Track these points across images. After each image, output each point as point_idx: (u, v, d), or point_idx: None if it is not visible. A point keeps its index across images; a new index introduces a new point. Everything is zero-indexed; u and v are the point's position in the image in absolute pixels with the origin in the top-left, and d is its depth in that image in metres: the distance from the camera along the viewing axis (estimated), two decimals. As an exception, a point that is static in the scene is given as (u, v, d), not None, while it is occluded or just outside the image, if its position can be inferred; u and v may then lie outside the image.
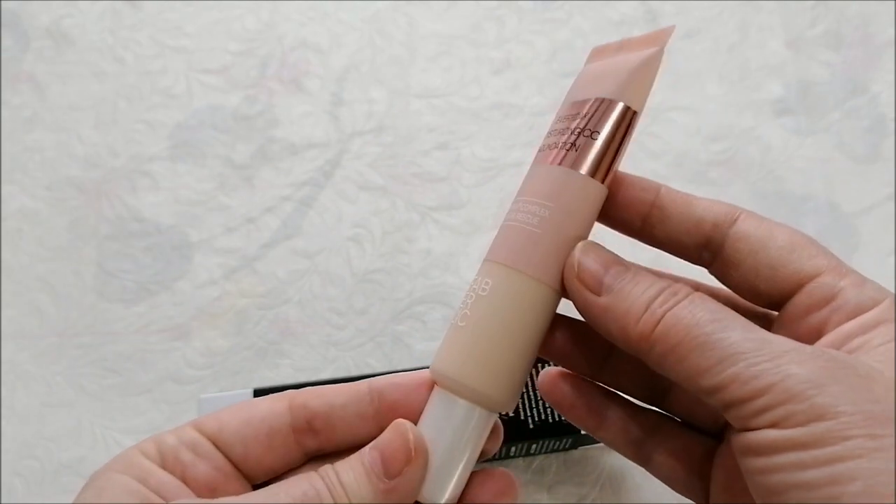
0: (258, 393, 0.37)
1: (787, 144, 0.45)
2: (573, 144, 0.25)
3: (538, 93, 0.47)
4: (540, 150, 0.26)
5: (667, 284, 0.23)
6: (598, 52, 0.28)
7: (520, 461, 0.38)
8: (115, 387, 0.40)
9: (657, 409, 0.28)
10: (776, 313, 0.25)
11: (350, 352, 0.41)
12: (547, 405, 0.36)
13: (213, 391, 0.40)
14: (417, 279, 0.42)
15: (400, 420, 0.24)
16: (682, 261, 0.27)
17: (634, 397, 0.28)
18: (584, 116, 0.25)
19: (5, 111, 0.48)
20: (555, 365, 0.28)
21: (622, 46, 0.27)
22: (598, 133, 0.25)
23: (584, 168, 0.25)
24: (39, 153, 0.46)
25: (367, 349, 0.41)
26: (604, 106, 0.25)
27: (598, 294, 0.23)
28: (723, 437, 0.27)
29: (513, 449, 0.36)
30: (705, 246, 0.26)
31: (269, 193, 0.45)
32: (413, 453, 0.23)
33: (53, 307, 0.42)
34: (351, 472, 0.23)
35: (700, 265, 0.27)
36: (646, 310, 0.23)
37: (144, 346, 0.41)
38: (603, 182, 0.25)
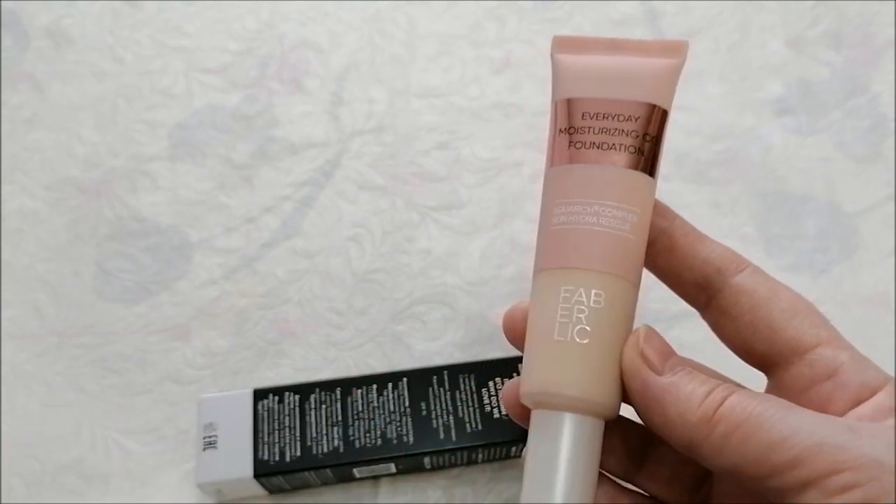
0: (258, 393, 0.37)
1: (787, 144, 0.45)
2: (639, 149, 0.25)
3: (539, 92, 0.47)
4: (576, 147, 0.26)
5: (722, 380, 0.23)
6: (573, 44, 0.27)
7: (520, 461, 0.38)
8: (115, 387, 0.40)
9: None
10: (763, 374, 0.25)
11: (350, 352, 0.41)
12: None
13: (213, 391, 0.40)
14: (417, 279, 0.42)
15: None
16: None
17: None
18: (639, 120, 0.25)
19: (5, 111, 0.48)
20: None
21: (615, 46, 0.27)
22: (657, 139, 0.26)
23: (650, 171, 0.25)
24: (39, 153, 0.46)
25: (367, 349, 0.41)
26: (657, 113, 0.26)
27: (660, 375, 0.23)
28: None
29: (513, 449, 0.36)
30: (703, 287, 0.26)
31: (269, 193, 0.45)
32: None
33: (53, 307, 0.42)
34: None
35: (693, 306, 0.26)
36: (708, 394, 0.22)
37: (144, 346, 0.41)
38: (656, 180, 0.26)
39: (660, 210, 0.26)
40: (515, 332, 0.26)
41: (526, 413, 0.25)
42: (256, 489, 0.36)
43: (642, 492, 0.27)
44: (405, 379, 0.37)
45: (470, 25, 0.49)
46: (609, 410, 0.24)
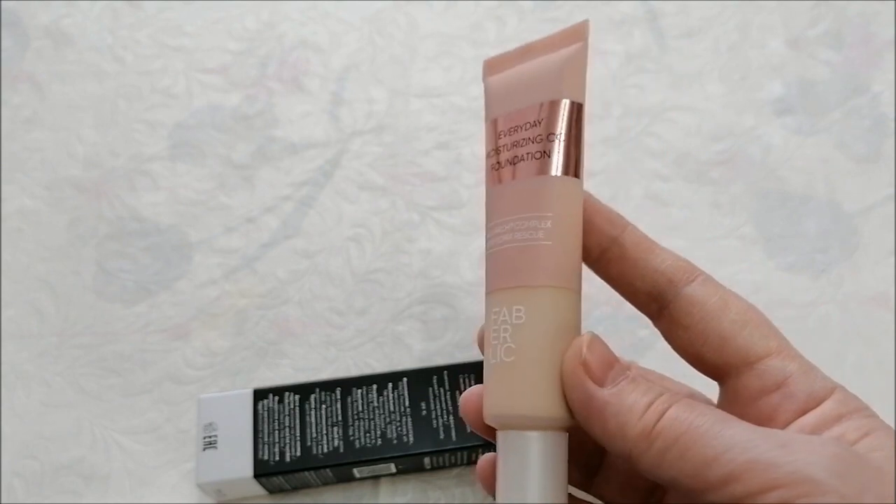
0: (258, 393, 0.37)
1: (787, 144, 0.45)
2: (545, 152, 0.25)
3: (538, 92, 0.47)
4: (495, 169, 0.25)
5: (664, 389, 0.23)
6: (498, 63, 0.27)
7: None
8: (115, 387, 0.40)
9: None
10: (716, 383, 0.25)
11: (350, 352, 0.41)
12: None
13: (213, 391, 0.40)
14: (417, 279, 0.42)
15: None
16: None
17: None
18: (544, 122, 0.25)
19: (5, 111, 0.48)
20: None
21: (528, 51, 0.26)
22: (562, 134, 0.25)
23: (564, 170, 0.24)
24: (39, 153, 0.46)
25: (367, 349, 0.41)
26: (563, 107, 0.25)
27: (602, 386, 0.23)
28: None
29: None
30: (655, 297, 0.26)
31: (269, 193, 0.45)
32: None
33: (53, 307, 0.42)
34: None
35: (647, 315, 0.27)
36: (648, 407, 0.22)
37: (144, 346, 0.41)
38: (578, 177, 0.25)
39: (611, 218, 0.26)
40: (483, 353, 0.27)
41: (481, 424, 0.25)
42: (256, 489, 0.36)
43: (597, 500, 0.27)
44: (405, 379, 0.37)
45: (470, 25, 0.49)
46: (559, 422, 0.23)
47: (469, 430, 0.35)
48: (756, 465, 0.20)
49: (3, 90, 0.48)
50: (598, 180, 0.44)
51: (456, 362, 0.38)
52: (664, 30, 0.49)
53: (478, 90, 0.47)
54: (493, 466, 0.25)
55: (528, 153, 0.25)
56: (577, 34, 0.25)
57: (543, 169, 0.24)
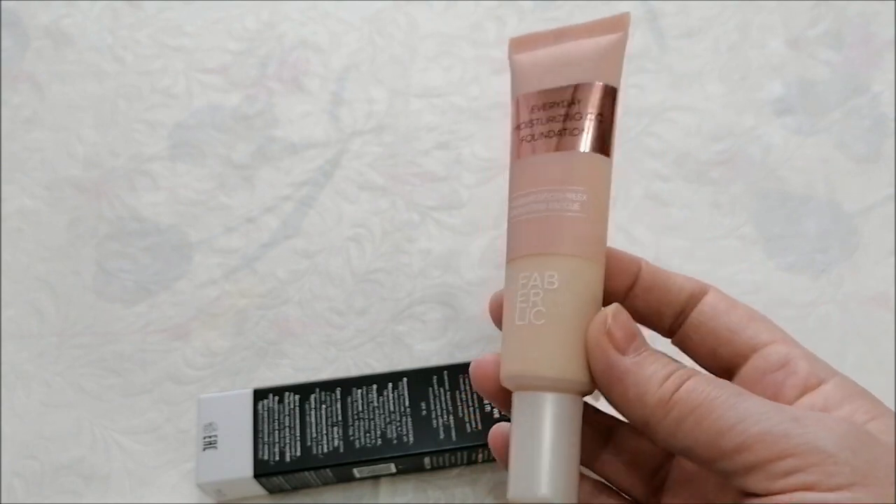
0: (258, 393, 0.37)
1: (787, 144, 0.45)
2: (583, 129, 0.26)
3: (538, 92, 0.47)
4: (527, 141, 0.27)
5: (681, 365, 0.24)
6: (528, 42, 0.28)
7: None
8: (115, 387, 0.40)
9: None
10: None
11: (350, 352, 0.41)
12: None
13: (213, 391, 0.40)
14: (417, 279, 0.42)
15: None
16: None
17: (626, 492, 0.28)
18: (582, 101, 0.26)
19: (5, 111, 0.48)
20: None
21: (561, 34, 0.28)
22: (600, 115, 0.26)
23: (599, 149, 0.26)
24: (39, 153, 0.46)
25: (367, 349, 0.41)
26: (601, 90, 0.26)
27: (624, 355, 0.24)
28: None
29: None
30: (678, 315, 0.27)
31: (269, 193, 0.45)
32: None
33: (53, 307, 0.42)
34: None
35: (664, 334, 0.28)
36: (667, 378, 0.23)
37: (144, 346, 0.41)
38: (609, 157, 0.26)
39: (627, 258, 0.27)
40: (496, 319, 0.27)
41: (493, 389, 0.26)
42: (256, 489, 0.36)
43: (601, 479, 0.28)
44: (405, 379, 0.37)
45: (470, 25, 0.49)
46: (579, 385, 0.25)
47: (473, 429, 0.35)
48: (769, 435, 0.21)
49: (3, 90, 0.48)
50: (598, 180, 0.44)
51: (456, 362, 0.38)
52: (664, 30, 0.49)
53: (478, 90, 0.47)
54: (506, 436, 0.26)
55: (565, 129, 0.26)
56: (618, 24, 0.27)
57: (580, 145, 0.26)
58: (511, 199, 0.27)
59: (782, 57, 0.48)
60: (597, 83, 0.26)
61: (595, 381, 0.24)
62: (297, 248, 0.43)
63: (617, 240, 0.40)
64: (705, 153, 0.45)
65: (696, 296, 0.27)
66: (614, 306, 0.25)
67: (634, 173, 0.44)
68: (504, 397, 0.26)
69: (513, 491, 0.24)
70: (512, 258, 0.26)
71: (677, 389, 0.22)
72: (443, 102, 0.47)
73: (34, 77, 0.49)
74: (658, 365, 0.23)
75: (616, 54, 0.27)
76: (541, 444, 0.24)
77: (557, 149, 0.26)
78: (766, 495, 0.20)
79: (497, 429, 0.28)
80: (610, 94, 0.26)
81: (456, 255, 0.43)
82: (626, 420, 0.24)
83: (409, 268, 0.42)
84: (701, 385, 0.22)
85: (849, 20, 0.49)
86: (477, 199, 0.44)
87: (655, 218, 0.43)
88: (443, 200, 0.44)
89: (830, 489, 0.19)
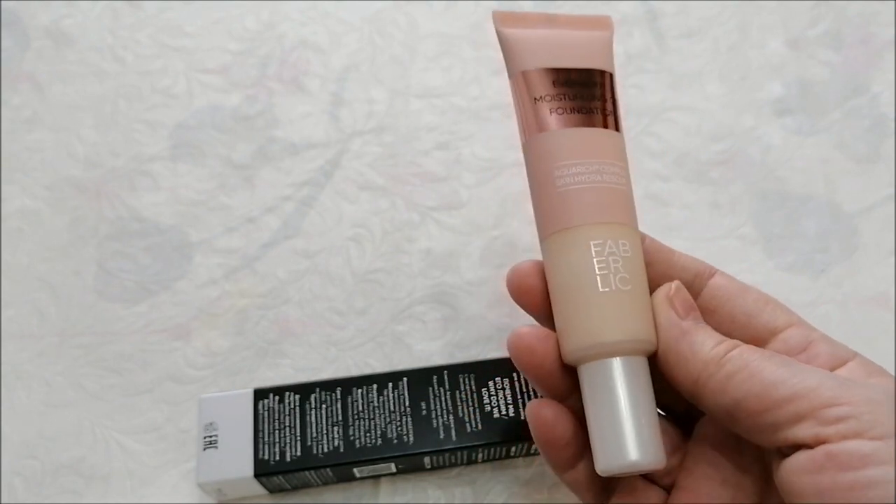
0: (258, 393, 0.37)
1: (787, 144, 0.45)
2: (609, 111, 0.28)
3: (538, 93, 0.47)
4: (557, 113, 0.27)
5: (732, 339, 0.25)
6: (519, 20, 0.30)
7: (520, 461, 0.38)
8: (115, 387, 0.40)
9: None
10: None
11: (350, 352, 0.41)
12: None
13: (214, 391, 0.40)
14: (417, 279, 0.42)
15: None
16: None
17: None
18: (601, 85, 0.28)
19: (5, 111, 0.48)
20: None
21: (553, 21, 0.29)
22: (616, 101, 0.29)
23: (621, 129, 0.28)
24: (39, 153, 0.46)
25: (367, 349, 0.41)
26: (608, 78, 0.29)
27: (683, 318, 0.25)
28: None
29: (513, 449, 0.36)
30: None
31: (270, 193, 0.45)
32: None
33: (53, 307, 0.42)
34: None
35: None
36: (721, 342, 0.24)
37: (144, 346, 0.41)
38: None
39: None
40: (528, 290, 0.27)
41: (545, 366, 0.27)
42: (257, 489, 0.36)
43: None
44: (405, 379, 0.37)
45: (470, 25, 0.49)
46: (654, 346, 0.26)
47: (473, 429, 0.35)
48: (821, 387, 0.21)
49: (3, 90, 0.48)
50: (598, 180, 0.44)
51: (456, 362, 0.38)
52: (664, 30, 0.49)
53: (478, 90, 0.47)
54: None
55: (595, 107, 0.28)
56: (605, 24, 0.30)
57: (610, 124, 0.28)
58: (552, 167, 0.27)
59: (782, 57, 0.48)
60: (611, 72, 0.29)
61: (658, 341, 0.26)
62: (298, 248, 0.43)
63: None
64: (705, 153, 0.45)
65: (703, 276, 0.28)
66: (677, 282, 0.26)
67: (634, 173, 0.44)
68: (553, 370, 0.27)
69: (602, 462, 0.25)
70: (568, 227, 0.26)
71: (729, 351, 0.24)
72: (443, 103, 0.47)
73: (34, 77, 0.49)
74: (711, 331, 0.25)
75: (611, 50, 0.29)
76: (623, 409, 0.24)
77: (594, 125, 0.27)
78: (814, 445, 0.21)
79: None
80: (614, 83, 0.29)
81: (456, 255, 0.43)
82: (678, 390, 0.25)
83: (409, 268, 0.42)
84: (751, 351, 0.24)
85: (848, 20, 0.49)
86: (477, 199, 0.44)
87: (655, 218, 0.43)
88: (443, 200, 0.44)
89: (880, 437, 0.20)
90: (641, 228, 0.28)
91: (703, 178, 0.44)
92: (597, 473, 0.26)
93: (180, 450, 0.38)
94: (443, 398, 0.36)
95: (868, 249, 0.42)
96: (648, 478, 0.28)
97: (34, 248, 0.44)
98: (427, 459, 0.36)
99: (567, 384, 0.27)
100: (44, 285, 0.43)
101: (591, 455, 0.26)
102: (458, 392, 0.37)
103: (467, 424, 0.36)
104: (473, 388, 0.36)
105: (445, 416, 0.36)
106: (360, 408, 0.36)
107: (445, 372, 0.37)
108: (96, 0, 0.51)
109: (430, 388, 0.37)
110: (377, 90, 0.47)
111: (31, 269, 0.43)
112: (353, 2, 0.50)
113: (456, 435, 0.36)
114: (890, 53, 0.48)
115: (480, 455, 0.37)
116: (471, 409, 0.36)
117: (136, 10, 0.50)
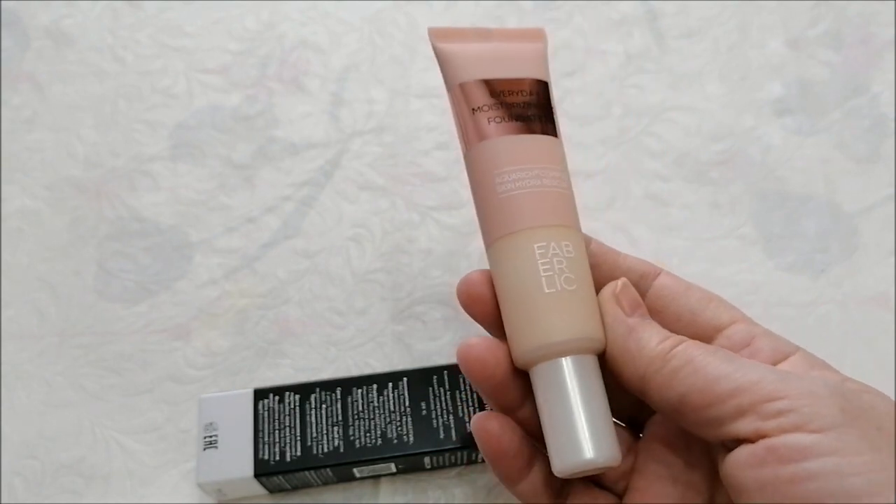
0: (258, 393, 0.37)
1: (787, 144, 0.45)
2: (545, 117, 0.29)
3: (538, 93, 0.47)
4: (495, 122, 0.28)
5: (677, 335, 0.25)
6: (454, 35, 0.30)
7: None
8: (115, 387, 0.40)
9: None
10: None
11: (350, 352, 0.41)
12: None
13: (214, 391, 0.40)
14: (417, 279, 0.42)
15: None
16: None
17: None
18: (537, 93, 0.29)
19: (5, 111, 0.48)
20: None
21: (487, 35, 0.30)
22: (554, 106, 0.30)
23: (559, 134, 0.29)
24: (39, 153, 0.46)
25: (367, 349, 0.41)
26: (542, 86, 0.30)
27: (630, 315, 0.26)
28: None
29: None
30: None
31: (270, 193, 0.45)
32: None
33: (53, 307, 0.42)
34: None
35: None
36: (667, 338, 0.25)
37: (144, 346, 0.41)
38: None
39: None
40: (476, 299, 0.28)
41: (495, 374, 0.27)
42: (257, 489, 0.36)
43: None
44: (405, 379, 0.37)
45: (470, 25, 0.49)
46: (603, 344, 0.26)
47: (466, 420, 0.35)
48: (764, 380, 0.22)
49: (3, 90, 0.48)
50: (598, 180, 0.44)
51: (456, 362, 0.38)
52: (664, 30, 0.49)
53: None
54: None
55: (532, 115, 0.29)
56: (538, 36, 0.31)
57: (549, 130, 0.29)
58: (492, 175, 0.28)
59: (782, 57, 0.48)
60: (547, 81, 0.30)
61: (606, 339, 0.26)
62: (298, 248, 0.43)
63: (617, 240, 0.40)
64: (705, 153, 0.45)
65: (648, 277, 0.28)
66: (623, 279, 0.27)
67: (634, 173, 0.44)
68: (505, 380, 0.27)
69: (559, 463, 0.25)
70: (512, 231, 0.27)
71: (675, 347, 0.24)
72: (443, 102, 0.47)
73: (34, 77, 0.49)
74: (657, 327, 0.25)
75: (546, 60, 0.31)
76: (576, 408, 0.25)
77: (532, 131, 0.28)
78: (755, 439, 0.21)
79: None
80: (549, 92, 0.30)
81: (456, 255, 0.43)
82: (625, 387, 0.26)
83: (409, 268, 0.42)
84: (696, 346, 0.24)
85: (848, 20, 0.49)
86: (477, 199, 0.44)
87: (655, 218, 0.43)
88: (443, 200, 0.44)
89: (819, 430, 0.20)
90: (641, 229, 0.29)
91: (703, 178, 0.44)
92: (548, 483, 0.27)
93: (180, 450, 0.38)
94: (443, 398, 0.36)
95: (868, 249, 0.42)
96: (602, 484, 0.28)
97: (34, 248, 0.44)
98: (427, 459, 0.36)
99: (518, 394, 0.27)
100: (44, 285, 0.43)
101: (541, 466, 0.27)
102: (458, 392, 0.37)
103: (467, 424, 0.36)
104: (473, 388, 0.36)
105: (445, 416, 0.36)
106: (360, 408, 0.36)
107: (445, 372, 0.37)
108: (96, 0, 0.51)
109: (430, 388, 0.37)
110: (377, 90, 0.47)
111: (31, 269, 0.43)
112: (353, 2, 0.50)
113: (456, 435, 0.36)
114: (890, 53, 0.48)
115: (480, 455, 0.37)
116: (471, 409, 0.36)
117: (136, 10, 0.50)
